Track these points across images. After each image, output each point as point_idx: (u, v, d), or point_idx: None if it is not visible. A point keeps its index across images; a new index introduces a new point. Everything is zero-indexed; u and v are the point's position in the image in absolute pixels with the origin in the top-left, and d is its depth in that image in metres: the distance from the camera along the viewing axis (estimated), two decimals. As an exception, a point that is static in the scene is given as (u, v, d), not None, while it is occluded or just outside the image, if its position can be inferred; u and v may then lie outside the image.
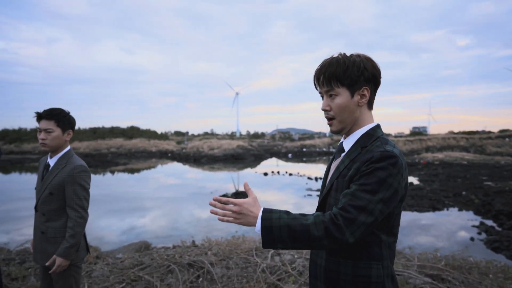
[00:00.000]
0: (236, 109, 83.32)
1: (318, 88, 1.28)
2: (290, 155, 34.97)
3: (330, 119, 1.26)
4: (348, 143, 1.27)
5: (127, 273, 3.37)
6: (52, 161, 2.15)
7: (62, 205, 2.09)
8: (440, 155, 26.77)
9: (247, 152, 32.67)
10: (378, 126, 1.27)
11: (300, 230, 1.08)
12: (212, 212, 1.17)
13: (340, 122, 1.25)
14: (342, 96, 1.21)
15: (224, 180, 17.04)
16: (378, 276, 1.18)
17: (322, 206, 1.29)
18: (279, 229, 1.09)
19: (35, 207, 2.15)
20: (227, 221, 1.15)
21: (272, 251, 3.86)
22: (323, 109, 1.27)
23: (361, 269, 1.17)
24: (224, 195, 11.69)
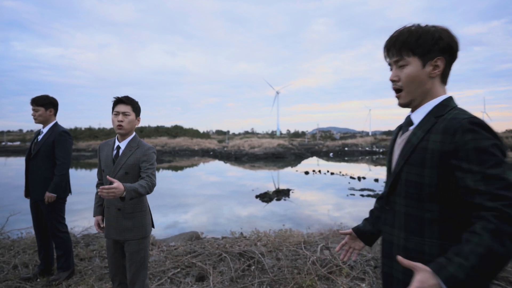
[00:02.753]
0: (277, 108, 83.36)
1: (387, 59, 1.23)
2: (331, 154, 34.34)
3: (397, 91, 1.21)
4: (418, 114, 1.19)
5: (181, 259, 3.53)
6: (122, 144, 2.30)
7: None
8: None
9: (288, 150, 32.56)
10: (451, 97, 1.18)
11: (486, 263, 0.91)
12: None
13: (408, 93, 1.18)
14: (412, 66, 1.15)
15: (265, 179, 17.10)
16: None
17: (395, 182, 1.19)
18: (468, 279, 0.92)
19: None
20: None
21: (321, 244, 3.85)
22: (391, 80, 1.21)
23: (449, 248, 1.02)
24: (265, 193, 11.77)
